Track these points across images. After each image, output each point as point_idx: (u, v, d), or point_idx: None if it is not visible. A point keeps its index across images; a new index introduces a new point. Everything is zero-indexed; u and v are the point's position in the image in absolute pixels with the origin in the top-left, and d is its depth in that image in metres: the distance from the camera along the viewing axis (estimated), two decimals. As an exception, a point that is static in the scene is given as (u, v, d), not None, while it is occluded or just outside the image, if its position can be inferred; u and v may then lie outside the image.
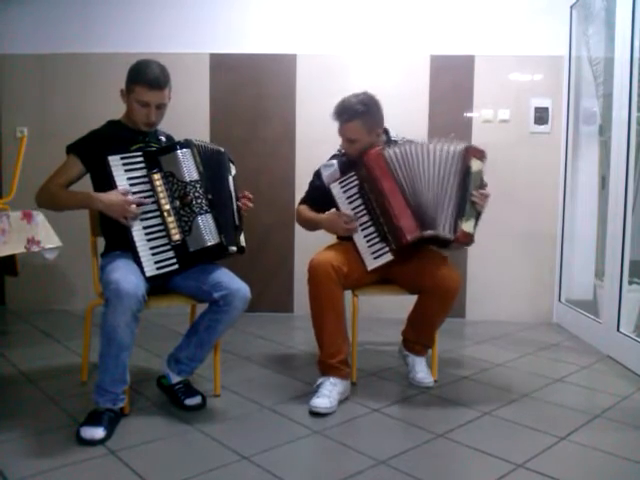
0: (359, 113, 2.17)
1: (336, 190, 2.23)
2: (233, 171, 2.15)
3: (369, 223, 2.20)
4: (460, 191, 2.12)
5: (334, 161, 2.35)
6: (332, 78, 3.51)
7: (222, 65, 3.57)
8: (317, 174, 2.39)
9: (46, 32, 3.56)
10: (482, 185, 2.19)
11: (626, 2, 2.69)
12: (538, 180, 3.52)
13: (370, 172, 2.14)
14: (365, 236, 2.20)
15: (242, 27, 3.56)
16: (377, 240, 2.19)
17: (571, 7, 3.43)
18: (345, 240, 2.29)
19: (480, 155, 2.18)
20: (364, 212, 2.20)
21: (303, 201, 2.45)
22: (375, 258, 2.19)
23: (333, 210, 2.28)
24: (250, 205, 2.16)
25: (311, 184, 2.44)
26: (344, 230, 2.21)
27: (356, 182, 2.20)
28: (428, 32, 3.51)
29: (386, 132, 2.35)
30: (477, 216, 2.19)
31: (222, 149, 2.11)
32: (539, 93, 3.48)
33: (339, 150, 2.38)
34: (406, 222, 2.11)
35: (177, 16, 3.55)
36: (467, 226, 2.13)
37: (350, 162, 2.27)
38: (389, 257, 2.18)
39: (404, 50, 3.52)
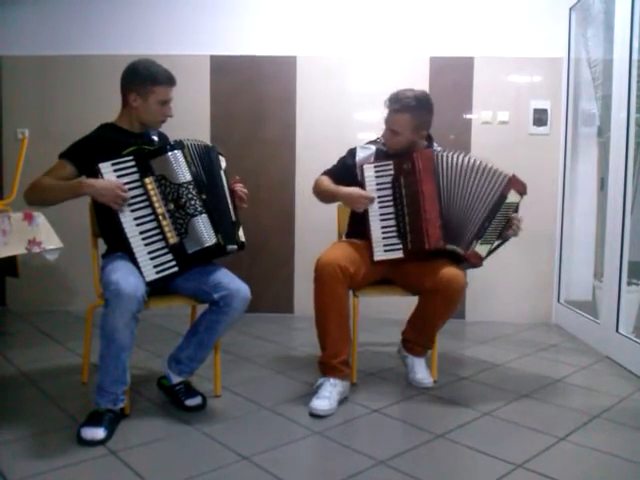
0: (411, 107, 2.16)
1: (369, 172, 2.18)
2: (223, 164, 2.10)
3: (391, 216, 2.18)
4: (489, 215, 2.12)
5: (372, 146, 2.33)
6: (332, 80, 3.52)
7: (222, 67, 3.58)
8: (351, 153, 2.35)
9: (47, 34, 3.57)
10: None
11: (625, 4, 2.70)
12: (537, 181, 3.50)
13: (415, 169, 2.12)
14: (383, 227, 2.18)
15: (242, 29, 3.57)
16: (394, 235, 2.17)
17: (570, 9, 3.43)
18: (353, 238, 2.28)
19: (520, 189, 2.17)
20: (390, 203, 2.18)
21: (326, 172, 2.41)
22: (386, 251, 2.18)
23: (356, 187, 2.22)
24: (244, 190, 2.13)
25: (341, 160, 2.39)
26: (361, 207, 2.17)
27: (391, 171, 2.17)
28: (428, 34, 3.52)
29: (430, 138, 2.33)
30: (497, 244, 2.21)
31: (210, 144, 2.08)
32: (538, 95, 3.49)
33: (378, 138, 2.34)
34: (433, 229, 2.10)
35: (178, 18, 3.56)
36: (481, 249, 2.14)
37: (387, 153, 2.25)
38: (399, 254, 2.17)
39: (404, 52, 3.53)
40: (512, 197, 2.14)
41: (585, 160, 3.52)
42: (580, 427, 1.94)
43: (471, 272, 3.56)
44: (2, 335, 3.16)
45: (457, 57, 3.50)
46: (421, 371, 2.33)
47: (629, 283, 2.79)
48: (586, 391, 2.36)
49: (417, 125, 2.19)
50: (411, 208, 2.14)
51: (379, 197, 2.18)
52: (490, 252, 2.21)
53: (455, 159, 2.15)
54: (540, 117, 3.48)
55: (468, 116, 3.53)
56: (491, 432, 1.90)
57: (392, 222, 2.18)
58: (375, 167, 2.19)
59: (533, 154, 3.50)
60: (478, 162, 2.15)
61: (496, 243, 2.22)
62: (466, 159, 2.15)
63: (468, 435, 1.86)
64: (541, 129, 3.49)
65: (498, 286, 3.57)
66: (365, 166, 2.20)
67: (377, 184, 2.19)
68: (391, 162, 2.18)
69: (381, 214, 2.19)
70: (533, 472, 1.62)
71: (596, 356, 2.81)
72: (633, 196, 2.76)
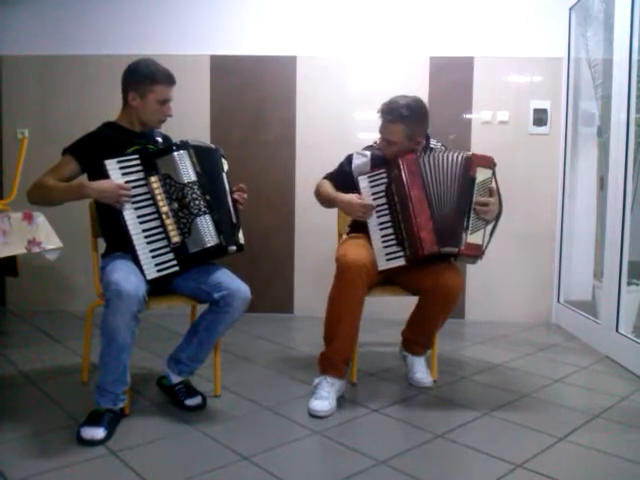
0: (404, 117, 2.12)
1: (364, 184, 2.19)
2: (225, 167, 2.09)
3: (389, 224, 2.17)
4: (466, 202, 2.08)
5: (368, 152, 2.32)
6: (332, 80, 3.52)
7: (222, 67, 3.58)
8: (349, 159, 2.35)
9: (47, 34, 3.57)
10: (491, 194, 2.13)
11: (625, 4, 2.70)
12: (537, 181, 3.53)
13: (401, 176, 2.10)
14: (382, 236, 2.17)
15: (242, 29, 3.57)
16: (393, 243, 2.15)
17: (570, 9, 3.44)
18: (362, 232, 2.25)
19: (485, 163, 2.11)
20: (386, 212, 2.17)
21: (327, 176, 2.40)
22: (387, 260, 2.16)
23: (354, 194, 2.21)
24: (244, 196, 2.12)
25: (341, 166, 2.39)
26: (358, 217, 2.18)
27: (385, 180, 2.16)
28: (428, 34, 3.52)
29: (427, 138, 2.30)
30: (492, 227, 2.16)
31: (214, 146, 2.09)
32: (538, 95, 3.49)
33: (375, 142, 2.33)
34: (427, 235, 2.06)
35: (178, 18, 3.56)
36: (473, 238, 2.08)
37: (384, 158, 2.23)
38: (401, 262, 2.14)
39: (404, 52, 3.53)
40: (482, 175, 2.09)
41: (585, 160, 3.52)
42: (580, 427, 1.94)
43: (471, 272, 3.59)
44: (2, 335, 3.16)
45: (457, 57, 3.50)
46: (421, 370, 2.33)
47: (629, 283, 2.79)
48: (586, 391, 2.36)
49: (412, 134, 2.16)
50: (404, 214, 2.11)
51: (376, 206, 2.17)
52: (491, 235, 2.17)
53: (437, 157, 2.12)
54: (540, 117, 3.49)
55: (468, 116, 3.53)
56: (491, 432, 1.90)
57: (390, 230, 2.16)
58: (369, 177, 2.19)
59: (533, 154, 3.50)
60: (453, 154, 2.10)
61: (489, 226, 2.16)
62: (444, 156, 2.11)
63: (468, 435, 1.87)
64: (541, 129, 3.49)
65: (498, 286, 3.57)
66: (359, 178, 2.21)
67: (372, 194, 2.18)
68: (384, 170, 2.17)
69: (379, 223, 2.18)
70: (533, 472, 1.62)
71: (596, 356, 2.81)
72: (633, 196, 2.76)
